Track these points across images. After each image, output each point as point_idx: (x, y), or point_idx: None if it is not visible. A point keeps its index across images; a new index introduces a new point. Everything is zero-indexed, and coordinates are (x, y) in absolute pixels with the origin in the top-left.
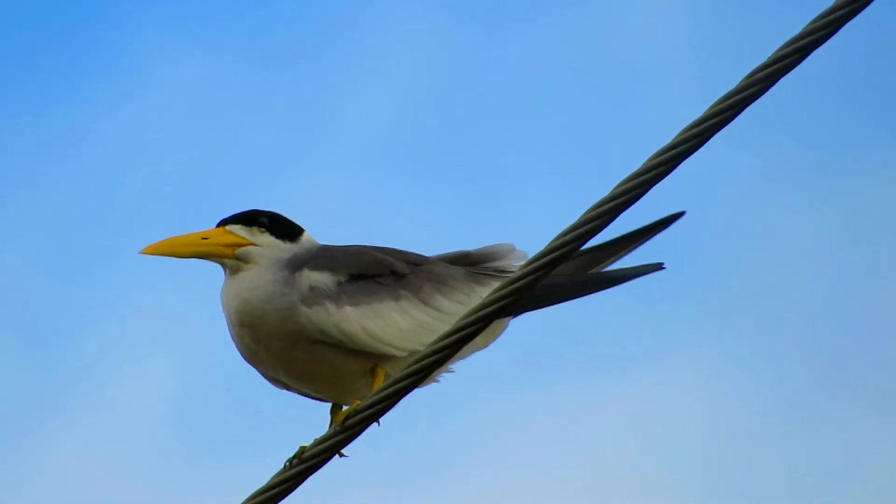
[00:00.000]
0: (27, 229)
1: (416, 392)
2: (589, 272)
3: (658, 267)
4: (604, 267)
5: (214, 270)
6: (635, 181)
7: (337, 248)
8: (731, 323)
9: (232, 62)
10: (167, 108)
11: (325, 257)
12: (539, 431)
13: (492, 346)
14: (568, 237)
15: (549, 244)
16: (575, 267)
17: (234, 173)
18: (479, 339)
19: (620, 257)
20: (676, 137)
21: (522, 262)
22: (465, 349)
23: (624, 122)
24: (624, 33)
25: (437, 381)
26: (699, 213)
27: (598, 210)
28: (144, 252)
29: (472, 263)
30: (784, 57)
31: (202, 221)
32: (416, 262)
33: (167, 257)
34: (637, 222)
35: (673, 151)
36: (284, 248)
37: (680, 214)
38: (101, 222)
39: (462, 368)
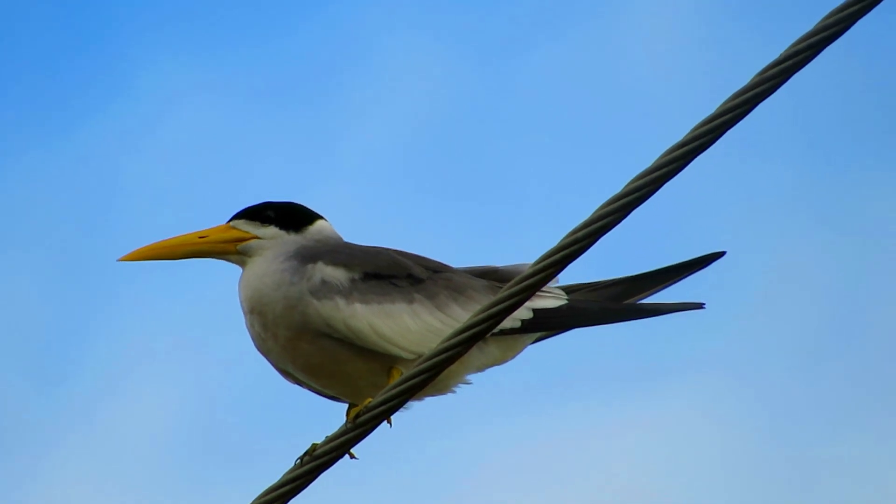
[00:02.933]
0: (31, 255)
1: (430, 405)
2: (623, 302)
3: (698, 306)
4: (639, 299)
5: (218, 289)
6: (647, 178)
7: (358, 246)
8: (744, 344)
9: (240, 98)
10: (175, 143)
11: (342, 253)
12: (549, 450)
13: (506, 364)
14: (580, 234)
15: (561, 241)
16: (607, 296)
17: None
18: (497, 353)
19: (656, 292)
20: (689, 134)
21: (552, 283)
22: (483, 362)
23: (629, 144)
24: (626, 56)
25: (454, 391)
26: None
27: (611, 207)
28: (125, 259)
29: (498, 280)
30: (796, 53)
31: (201, 268)
32: (436, 269)
33: (160, 261)
34: (674, 258)
35: (685, 148)
36: (288, 240)
37: (720, 254)
38: (104, 250)
39: (476, 383)
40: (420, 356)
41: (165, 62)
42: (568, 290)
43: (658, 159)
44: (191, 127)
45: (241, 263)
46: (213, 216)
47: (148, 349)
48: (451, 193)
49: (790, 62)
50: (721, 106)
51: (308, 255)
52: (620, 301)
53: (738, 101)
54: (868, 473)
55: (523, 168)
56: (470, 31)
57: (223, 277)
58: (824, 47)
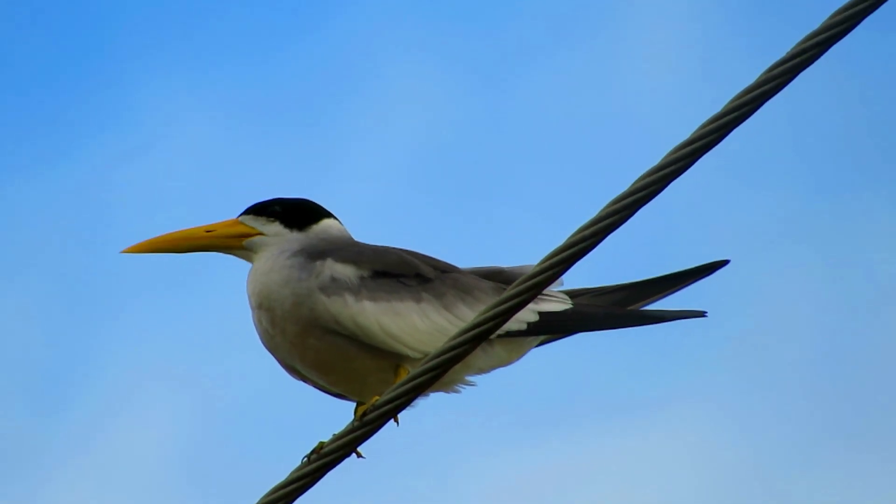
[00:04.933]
0: (28, 279)
1: (435, 406)
2: (627, 308)
3: (700, 314)
4: (642, 306)
5: (218, 311)
6: (655, 176)
7: (367, 244)
8: (734, 374)
9: (239, 118)
10: (173, 164)
11: (352, 251)
12: (539, 480)
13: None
14: (587, 232)
15: (568, 239)
16: (612, 301)
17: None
18: (503, 355)
19: (659, 299)
20: (696, 132)
21: (556, 287)
22: (488, 363)
23: (630, 160)
24: (625, 72)
25: (459, 391)
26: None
27: (617, 205)
28: (128, 251)
29: (504, 281)
30: (803, 52)
31: (207, 278)
32: (443, 269)
33: (163, 253)
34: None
35: (691, 147)
36: (291, 238)
37: (724, 262)
38: (103, 274)
39: (478, 387)
40: (426, 355)
41: (164, 82)
42: (573, 294)
43: (665, 157)
44: (189, 147)
45: (248, 259)
46: None
47: (149, 368)
48: (453, 212)
49: (797, 60)
50: (728, 104)
51: (315, 252)
52: (624, 307)
53: (744, 99)
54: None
55: (525, 186)
56: (470, 52)
57: (222, 293)
58: (830, 45)
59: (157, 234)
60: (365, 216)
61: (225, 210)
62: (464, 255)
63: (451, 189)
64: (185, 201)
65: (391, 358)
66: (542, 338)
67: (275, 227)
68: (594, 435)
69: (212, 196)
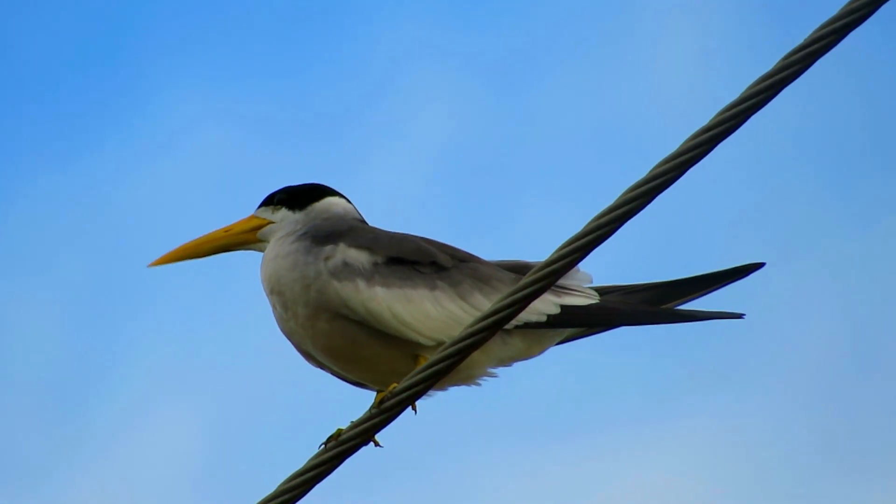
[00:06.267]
0: (48, 285)
1: (454, 399)
2: (660, 307)
3: (737, 315)
4: (674, 306)
5: (230, 318)
6: (672, 163)
7: (384, 231)
8: (735, 388)
9: (257, 127)
10: (190, 172)
11: (367, 237)
12: (543, 491)
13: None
14: (604, 220)
15: (585, 226)
16: (642, 300)
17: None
18: (522, 347)
19: (690, 300)
20: (713, 119)
21: (585, 282)
22: (507, 354)
23: (647, 160)
24: (638, 74)
25: (479, 384)
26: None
27: (635, 192)
28: (155, 264)
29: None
30: (821, 38)
31: (222, 284)
32: (462, 259)
33: (187, 261)
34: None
35: (711, 133)
36: (292, 219)
37: (760, 265)
38: (121, 281)
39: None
40: (440, 343)
41: (184, 88)
42: (602, 291)
43: (683, 144)
44: (208, 153)
45: (263, 250)
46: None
47: (166, 373)
48: (477, 215)
49: (816, 46)
50: (745, 91)
51: (322, 235)
52: (655, 306)
53: (762, 86)
54: None
55: (546, 186)
56: (488, 58)
57: (238, 294)
58: (847, 32)
59: (177, 244)
60: (388, 219)
61: (241, 217)
62: (488, 255)
63: (475, 192)
64: (204, 208)
65: (404, 346)
66: (566, 332)
67: (281, 213)
68: (602, 445)
69: (231, 203)
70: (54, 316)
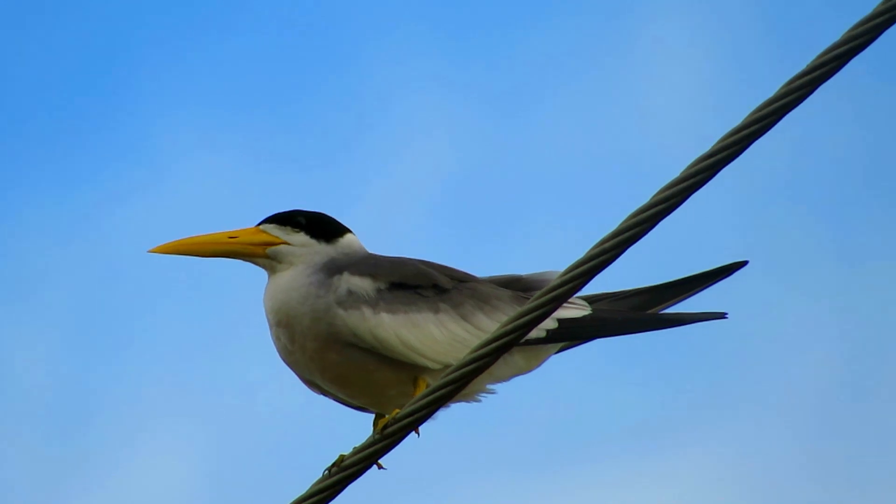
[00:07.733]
0: (44, 311)
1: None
2: (646, 312)
3: (720, 315)
4: (661, 309)
5: (230, 341)
6: (676, 188)
7: (383, 257)
8: (749, 403)
9: (255, 154)
10: (183, 199)
11: (368, 264)
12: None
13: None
14: (607, 245)
15: (588, 252)
16: (631, 306)
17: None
18: (522, 363)
19: (678, 301)
20: (715, 146)
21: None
22: (507, 372)
23: (650, 182)
24: (636, 97)
25: (479, 401)
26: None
27: (638, 217)
28: (154, 251)
29: (522, 289)
30: (820, 66)
31: (217, 309)
32: (461, 279)
33: (188, 256)
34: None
35: (714, 158)
36: (319, 250)
37: (743, 263)
38: (115, 307)
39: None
40: (446, 366)
41: (175, 117)
42: (591, 299)
43: (685, 170)
44: (201, 182)
45: (269, 268)
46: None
47: (165, 398)
48: (475, 241)
49: (818, 72)
50: (748, 116)
51: (334, 268)
52: (644, 311)
53: (763, 112)
54: None
55: (545, 211)
56: (486, 88)
57: (239, 306)
58: (850, 59)
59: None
60: (388, 247)
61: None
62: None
63: (474, 219)
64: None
65: (411, 370)
66: (561, 344)
67: (300, 238)
68: (614, 461)
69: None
70: (48, 343)
